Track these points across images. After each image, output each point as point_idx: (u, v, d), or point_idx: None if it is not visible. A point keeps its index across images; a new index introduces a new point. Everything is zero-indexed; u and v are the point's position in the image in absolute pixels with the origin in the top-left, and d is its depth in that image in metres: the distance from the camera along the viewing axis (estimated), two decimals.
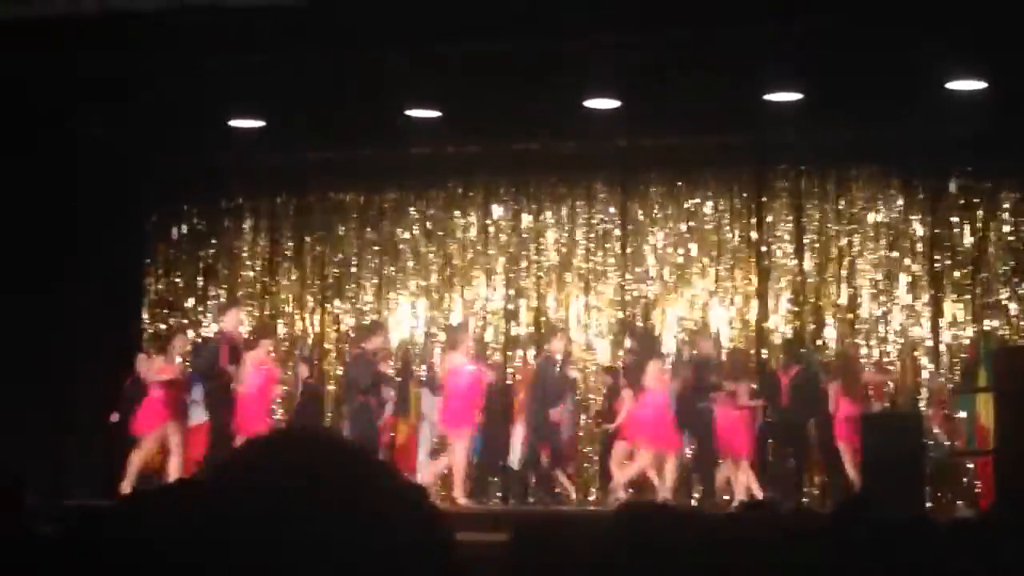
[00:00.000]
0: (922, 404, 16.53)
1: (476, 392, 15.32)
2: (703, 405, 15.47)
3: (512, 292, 18.29)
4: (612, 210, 18.14)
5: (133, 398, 15.71)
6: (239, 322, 16.53)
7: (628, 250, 18.01)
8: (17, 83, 14.38)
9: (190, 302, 19.15)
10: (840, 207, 17.46)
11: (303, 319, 18.87)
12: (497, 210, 18.29)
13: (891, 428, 13.28)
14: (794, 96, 14.00)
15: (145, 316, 18.97)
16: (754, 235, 17.66)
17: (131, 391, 15.87)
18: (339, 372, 17.99)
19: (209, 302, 19.04)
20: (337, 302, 18.82)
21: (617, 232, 18.08)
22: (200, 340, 17.94)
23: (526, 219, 18.41)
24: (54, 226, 16.25)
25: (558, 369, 16.04)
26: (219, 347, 15.61)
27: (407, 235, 18.67)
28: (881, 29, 12.68)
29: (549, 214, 18.34)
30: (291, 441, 1.47)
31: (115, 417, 15.80)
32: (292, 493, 1.37)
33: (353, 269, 18.82)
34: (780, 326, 17.41)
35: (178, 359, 16.09)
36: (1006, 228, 16.90)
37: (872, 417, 13.87)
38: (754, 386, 16.06)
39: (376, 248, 18.75)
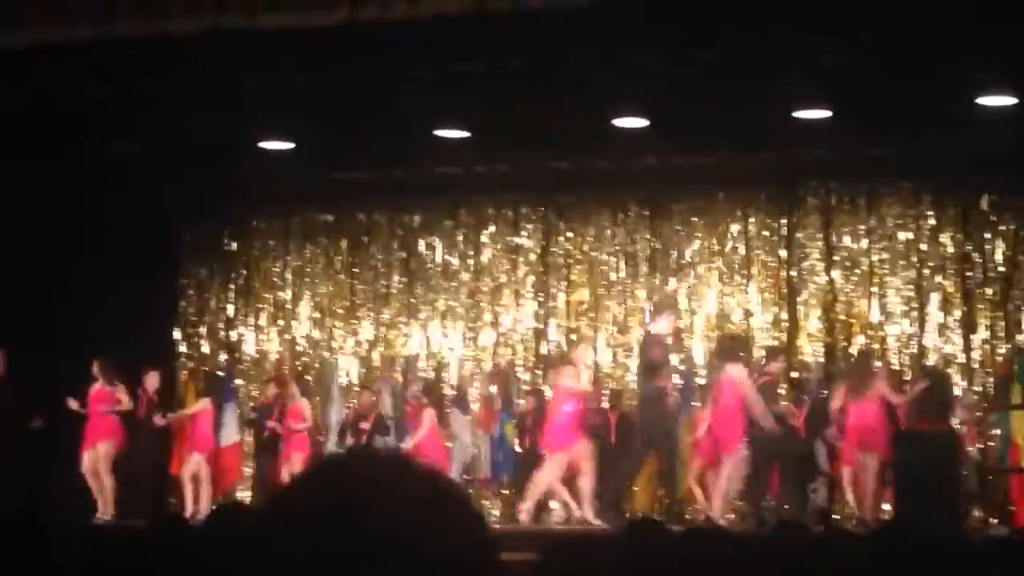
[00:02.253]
0: (955, 422, 16.43)
1: (581, 414, 14.56)
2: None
3: (542, 311, 18.29)
4: (641, 229, 18.12)
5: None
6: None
7: (657, 268, 17.98)
8: (50, 104, 14.47)
9: (221, 321, 19.23)
10: (871, 224, 17.41)
11: (330, 338, 18.91)
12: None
13: (925, 446, 13.20)
14: (824, 113, 13.97)
15: (177, 335, 19.06)
16: (784, 253, 17.62)
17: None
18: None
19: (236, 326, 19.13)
20: (366, 323, 18.84)
21: (646, 251, 18.06)
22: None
23: (555, 238, 18.41)
24: (86, 244, 16.34)
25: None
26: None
27: (436, 255, 18.70)
28: (911, 45, 12.64)
29: (578, 233, 18.33)
30: (360, 461, 1.47)
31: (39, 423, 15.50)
32: (356, 514, 1.38)
33: (382, 289, 18.84)
34: (810, 344, 17.33)
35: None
36: None
37: (906, 435, 13.77)
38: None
39: (405, 268, 18.79)
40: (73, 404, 15.22)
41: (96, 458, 15.23)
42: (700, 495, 14.97)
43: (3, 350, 15.15)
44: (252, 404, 17.82)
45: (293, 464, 15.73)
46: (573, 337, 17.95)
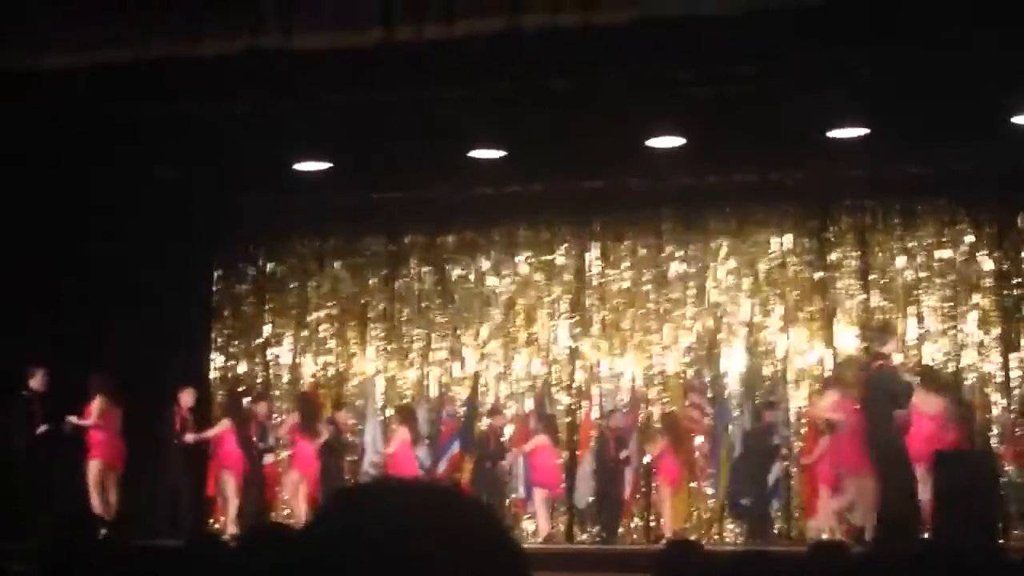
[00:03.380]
0: (994, 440, 16.34)
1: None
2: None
3: (577, 331, 18.27)
4: (676, 247, 18.09)
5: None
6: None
7: (692, 287, 17.94)
8: (86, 125, 14.56)
9: (257, 341, 19.30)
10: (907, 243, 17.33)
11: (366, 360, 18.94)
12: None
13: (964, 465, 13.11)
14: (859, 132, 13.91)
15: (214, 356, 19.13)
16: (819, 272, 17.56)
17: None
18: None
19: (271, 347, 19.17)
20: (403, 342, 18.86)
21: (681, 269, 18.03)
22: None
23: (590, 257, 18.40)
24: (122, 266, 16.40)
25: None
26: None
27: (471, 275, 18.72)
28: (946, 62, 12.59)
29: (613, 252, 18.32)
30: (397, 489, 1.46)
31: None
32: (391, 540, 1.37)
33: (417, 309, 18.86)
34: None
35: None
36: None
37: (945, 454, 13.67)
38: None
39: (440, 287, 18.80)
40: (73, 420, 15.29)
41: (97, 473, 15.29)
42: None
43: (43, 368, 15.23)
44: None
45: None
46: (608, 358, 17.93)
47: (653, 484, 16.68)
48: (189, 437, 16.15)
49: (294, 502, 16.22)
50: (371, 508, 1.41)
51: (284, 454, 17.26)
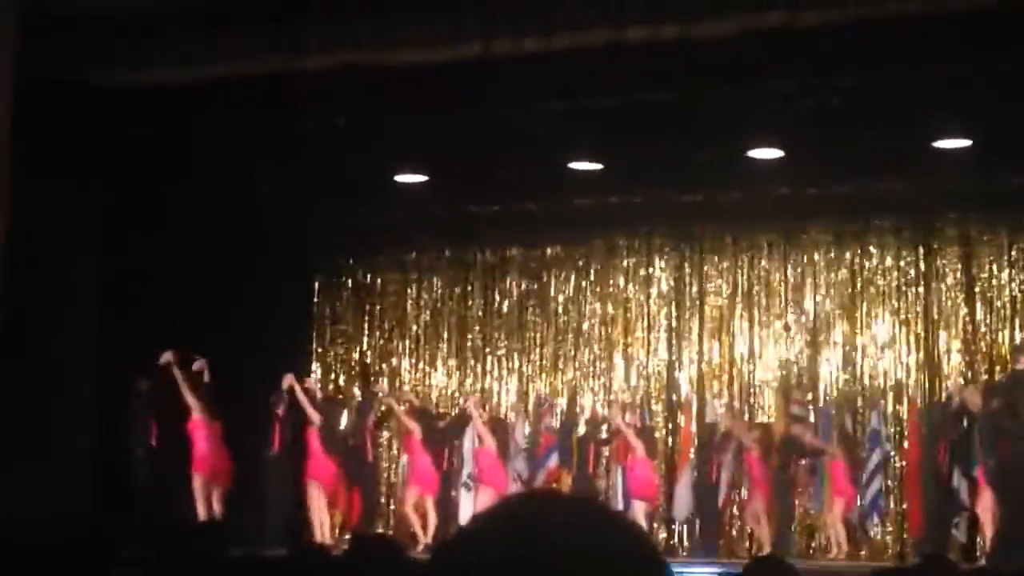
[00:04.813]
0: None
1: None
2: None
3: (675, 343, 18.17)
4: (776, 259, 17.95)
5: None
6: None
7: (791, 299, 17.78)
8: (188, 142, 14.75)
9: (355, 353, 19.41)
10: (1012, 255, 17.04)
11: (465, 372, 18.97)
12: None
13: None
14: (964, 143, 13.72)
15: (314, 368, 19.25)
16: (922, 286, 17.31)
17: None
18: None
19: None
20: (500, 354, 18.88)
21: (780, 281, 17.88)
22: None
23: (688, 269, 18.30)
24: (223, 280, 16.55)
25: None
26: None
27: (569, 288, 18.70)
28: None
29: (712, 264, 18.21)
30: (539, 503, 1.44)
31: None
32: (532, 559, 1.35)
33: (515, 321, 18.87)
34: (952, 376, 17.00)
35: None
36: None
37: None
38: None
39: (538, 300, 18.81)
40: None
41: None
42: None
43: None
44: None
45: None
46: (706, 370, 17.82)
47: (746, 497, 16.49)
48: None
49: (413, 516, 16.25)
50: (525, 523, 1.38)
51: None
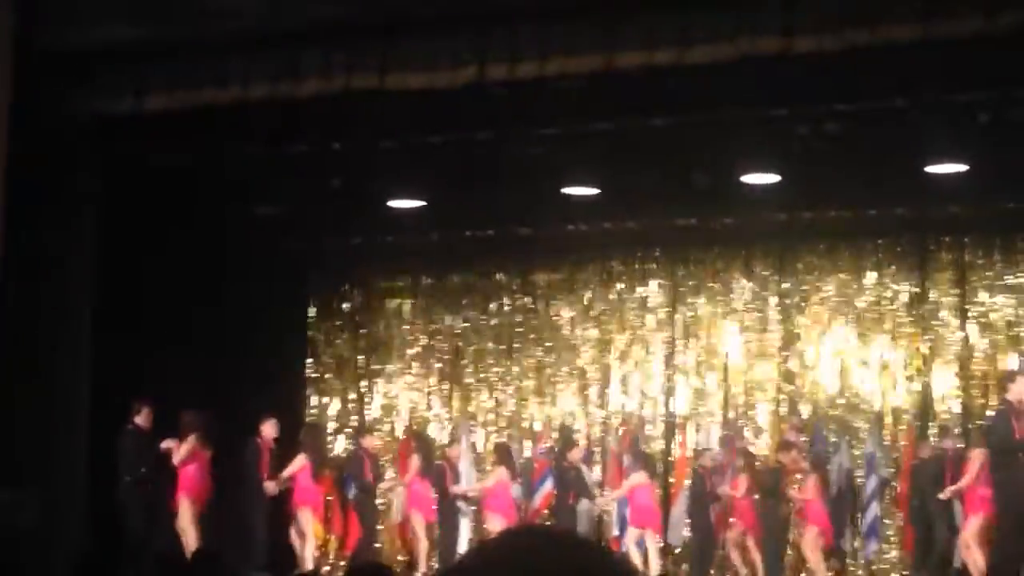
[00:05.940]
0: None
1: None
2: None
3: (670, 370, 18.16)
4: (770, 284, 17.96)
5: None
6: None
7: (786, 323, 17.79)
8: (186, 167, 14.75)
9: (349, 379, 19.39)
10: (1006, 279, 17.05)
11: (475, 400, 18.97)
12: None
13: None
14: (958, 168, 13.73)
15: (310, 392, 19.23)
16: (917, 309, 17.32)
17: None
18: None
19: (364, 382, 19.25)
20: (493, 380, 18.87)
21: (775, 306, 17.89)
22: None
23: (683, 293, 18.30)
24: (219, 303, 16.54)
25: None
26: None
27: (564, 312, 18.70)
28: None
29: (706, 289, 18.21)
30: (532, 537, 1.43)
31: None
32: None
33: (509, 346, 18.87)
34: (944, 402, 17.00)
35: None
36: None
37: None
38: None
39: (532, 324, 18.80)
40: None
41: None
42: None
43: (148, 405, 15.18)
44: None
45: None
46: (701, 394, 17.82)
47: (735, 522, 16.42)
48: (270, 488, 15.75)
49: (415, 543, 16.19)
50: (516, 559, 1.37)
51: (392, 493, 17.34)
